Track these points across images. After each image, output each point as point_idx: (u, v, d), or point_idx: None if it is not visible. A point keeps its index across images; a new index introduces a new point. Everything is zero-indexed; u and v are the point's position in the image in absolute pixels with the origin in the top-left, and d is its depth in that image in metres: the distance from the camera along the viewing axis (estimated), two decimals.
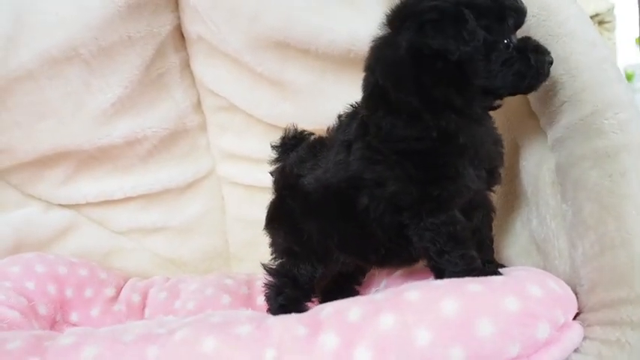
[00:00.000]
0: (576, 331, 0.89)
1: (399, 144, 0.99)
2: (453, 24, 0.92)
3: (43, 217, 1.53)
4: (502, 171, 1.07)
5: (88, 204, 1.57)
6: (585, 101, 0.99)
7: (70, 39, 1.35)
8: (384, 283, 1.29)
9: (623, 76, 1.04)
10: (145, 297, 1.46)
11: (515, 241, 1.19)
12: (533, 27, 1.06)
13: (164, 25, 1.45)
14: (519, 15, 0.98)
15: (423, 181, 0.98)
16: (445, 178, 0.98)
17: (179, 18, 1.48)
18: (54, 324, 1.31)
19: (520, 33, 1.08)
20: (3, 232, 1.45)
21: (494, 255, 1.16)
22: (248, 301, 1.39)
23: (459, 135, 0.97)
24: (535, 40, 0.99)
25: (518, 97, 1.14)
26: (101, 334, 0.89)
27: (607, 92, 0.97)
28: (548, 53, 0.98)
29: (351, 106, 1.12)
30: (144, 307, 1.43)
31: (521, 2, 0.98)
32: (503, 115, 1.18)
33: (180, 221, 1.64)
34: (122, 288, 1.47)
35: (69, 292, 1.36)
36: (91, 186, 1.56)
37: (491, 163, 1.03)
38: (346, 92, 1.42)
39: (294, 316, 0.92)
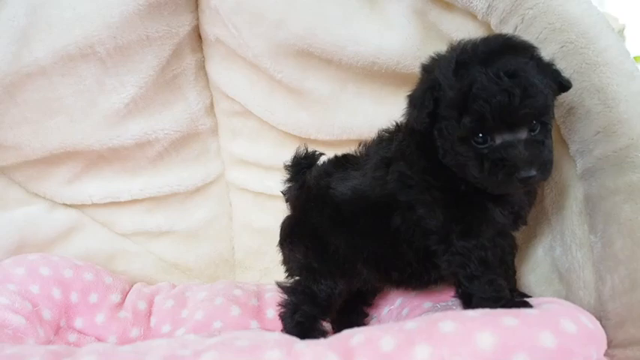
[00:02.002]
0: None
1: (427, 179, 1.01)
2: (414, 104, 0.99)
3: (47, 217, 1.48)
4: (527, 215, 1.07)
5: (94, 205, 1.53)
6: (620, 134, 0.98)
7: (88, 36, 1.30)
8: (399, 301, 1.28)
9: None
10: (150, 304, 1.42)
11: (536, 268, 1.18)
12: (570, 54, 1.05)
13: (183, 25, 1.41)
14: (486, 114, 0.90)
15: (449, 205, 1.00)
16: (472, 209, 0.99)
17: (198, 19, 1.44)
18: (58, 330, 1.27)
19: (557, 60, 1.07)
20: (6, 231, 1.40)
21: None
22: (258, 314, 1.36)
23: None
24: (521, 155, 0.90)
25: None
26: (123, 354, 0.85)
27: None
28: (527, 168, 0.90)
29: (395, 122, 1.11)
30: (150, 314, 1.40)
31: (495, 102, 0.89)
32: None
33: (187, 226, 1.60)
34: (127, 294, 1.43)
35: (74, 297, 1.32)
36: (98, 186, 1.52)
37: (520, 209, 1.03)
38: (366, 105, 1.43)
39: (323, 342, 0.89)
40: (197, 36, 1.49)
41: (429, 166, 1.00)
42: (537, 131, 0.92)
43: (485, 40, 0.96)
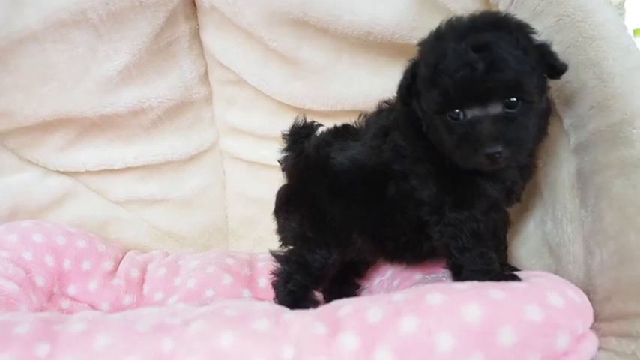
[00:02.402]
0: (592, 341, 0.89)
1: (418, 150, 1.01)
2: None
3: (41, 184, 1.48)
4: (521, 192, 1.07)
5: (88, 172, 1.53)
6: (614, 109, 0.97)
7: (80, 2, 1.28)
8: (390, 272, 1.29)
9: None
10: (143, 272, 1.43)
11: (526, 241, 1.18)
12: (566, 27, 1.03)
13: None
14: (449, 88, 0.90)
15: (441, 177, 1.00)
16: (463, 183, 0.99)
17: None
18: (51, 296, 1.28)
19: (553, 33, 1.06)
20: None
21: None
22: (250, 283, 1.37)
23: None
24: (495, 128, 0.89)
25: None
26: (114, 322, 0.86)
27: (637, 101, 0.95)
28: (491, 145, 0.88)
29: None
30: (143, 282, 1.41)
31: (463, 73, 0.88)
32: None
33: (181, 194, 1.61)
34: (120, 261, 1.44)
35: (67, 264, 1.32)
36: (92, 154, 1.52)
37: (512, 184, 1.02)
38: (361, 76, 1.41)
39: (311, 312, 0.90)
40: (191, 3, 1.47)
41: (418, 138, 1.01)
42: (516, 108, 0.91)
43: (473, 17, 0.95)
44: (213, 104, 1.61)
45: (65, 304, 1.30)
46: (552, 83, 1.08)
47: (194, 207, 1.62)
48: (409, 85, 0.99)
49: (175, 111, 1.54)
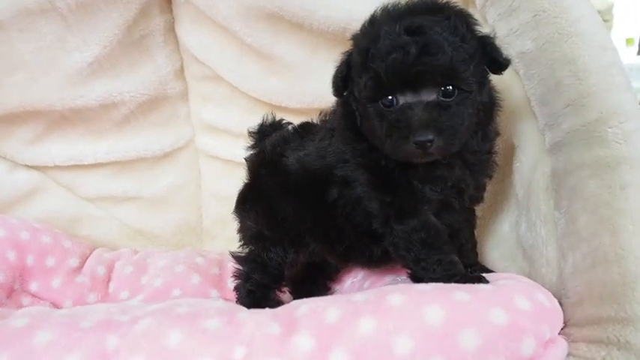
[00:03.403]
0: (561, 347, 0.86)
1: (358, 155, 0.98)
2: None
3: (8, 178, 1.45)
4: (476, 192, 1.02)
5: (57, 167, 1.50)
6: (589, 107, 0.94)
7: None
8: (361, 274, 1.25)
9: None
10: (110, 270, 1.39)
11: (500, 244, 1.15)
12: (543, 23, 1.01)
13: None
14: (380, 72, 0.86)
15: (381, 189, 0.96)
16: (400, 189, 0.95)
17: None
18: (11, 293, 1.24)
19: (529, 29, 1.03)
20: None
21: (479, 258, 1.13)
22: (219, 283, 1.33)
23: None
24: (424, 116, 0.85)
25: (517, 95, 1.10)
26: (58, 317, 0.83)
27: (613, 99, 0.93)
28: (421, 132, 0.84)
29: None
30: (109, 280, 1.37)
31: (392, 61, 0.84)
32: (502, 113, 1.13)
33: (154, 192, 1.57)
34: (87, 258, 1.40)
35: (30, 260, 1.29)
36: (61, 148, 1.48)
37: (459, 182, 0.97)
38: None
39: (268, 311, 0.87)
40: None
41: (355, 139, 0.97)
42: (453, 97, 0.86)
43: (411, 2, 0.91)
44: (189, 100, 1.58)
45: (26, 301, 1.26)
46: (528, 82, 1.05)
47: (167, 205, 1.59)
48: (345, 77, 0.94)
49: (149, 106, 1.51)
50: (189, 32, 1.46)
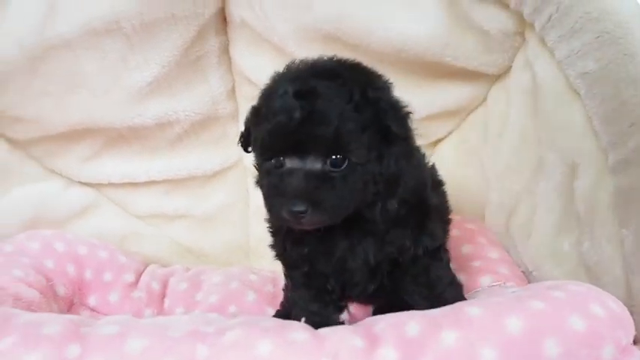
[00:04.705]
0: (637, 356, 0.85)
1: None
2: None
3: (63, 194, 1.48)
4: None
5: (111, 184, 1.52)
6: None
7: (114, 11, 1.29)
8: None
9: None
10: (164, 286, 1.40)
11: (561, 263, 1.15)
12: (606, 44, 1.03)
13: (208, 6, 1.39)
14: (265, 134, 0.83)
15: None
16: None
17: (224, 0, 1.43)
18: (71, 306, 1.26)
19: (592, 50, 1.05)
20: (21, 206, 1.39)
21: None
22: (273, 300, 1.34)
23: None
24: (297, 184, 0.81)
25: (577, 114, 1.11)
26: (145, 326, 0.84)
27: None
28: (293, 202, 0.80)
29: None
30: (164, 296, 1.38)
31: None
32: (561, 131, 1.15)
33: (204, 210, 1.59)
34: (142, 274, 1.42)
35: (88, 274, 1.31)
36: (116, 166, 1.51)
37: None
38: None
39: (346, 327, 0.88)
40: (222, 19, 1.47)
41: None
42: (342, 167, 0.82)
43: (316, 60, 0.88)
44: (238, 121, 1.60)
45: (85, 314, 1.28)
46: (591, 102, 1.07)
47: (217, 223, 1.60)
48: (248, 131, 0.91)
49: (201, 125, 1.53)
50: (244, 54, 1.49)
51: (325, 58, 0.89)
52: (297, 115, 0.79)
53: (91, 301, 1.30)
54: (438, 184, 1.06)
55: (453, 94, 1.43)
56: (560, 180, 1.17)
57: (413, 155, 0.93)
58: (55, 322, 0.83)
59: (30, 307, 1.11)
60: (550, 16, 1.12)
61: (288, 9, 1.33)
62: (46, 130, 1.41)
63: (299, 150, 0.82)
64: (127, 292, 1.34)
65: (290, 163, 0.83)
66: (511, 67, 1.34)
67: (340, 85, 0.82)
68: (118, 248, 1.46)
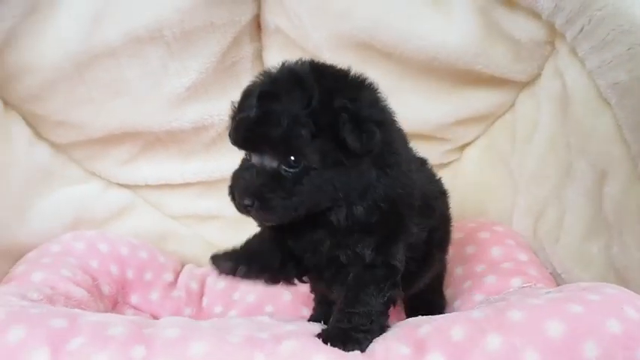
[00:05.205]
0: None
1: None
2: None
3: (102, 196, 1.52)
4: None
5: (147, 186, 1.56)
6: None
7: (158, 20, 1.32)
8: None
9: None
10: (202, 285, 1.45)
11: (590, 267, 1.19)
12: (638, 56, 1.07)
13: (244, 13, 1.43)
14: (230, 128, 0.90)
15: None
16: None
17: (259, 7, 1.46)
18: (115, 305, 1.31)
19: (623, 61, 1.09)
20: (62, 208, 1.43)
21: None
22: (308, 300, 1.37)
23: None
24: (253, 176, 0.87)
25: (607, 123, 1.15)
26: (206, 329, 0.88)
27: None
28: (240, 195, 0.88)
29: None
30: (202, 295, 1.43)
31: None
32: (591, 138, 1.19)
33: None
34: (179, 274, 1.46)
35: (130, 274, 1.35)
36: (153, 168, 1.55)
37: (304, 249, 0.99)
38: (420, 102, 1.44)
39: (390, 334, 0.92)
40: (257, 25, 1.50)
41: None
42: (296, 169, 0.85)
43: (293, 64, 0.92)
44: None
45: (129, 312, 1.32)
46: (620, 112, 1.10)
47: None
48: None
49: None
50: (277, 59, 1.50)
51: (307, 62, 0.92)
52: (252, 114, 0.85)
53: (133, 299, 1.35)
54: (441, 194, 1.12)
55: (482, 100, 1.46)
56: (589, 186, 1.20)
57: (390, 166, 0.93)
58: (118, 323, 0.87)
59: (80, 305, 1.15)
60: (582, 28, 1.15)
61: (325, 17, 1.36)
62: (88, 134, 1.45)
63: (256, 148, 0.88)
64: (167, 292, 1.38)
65: (253, 158, 0.89)
66: (540, 74, 1.37)
67: (301, 90, 0.85)
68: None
